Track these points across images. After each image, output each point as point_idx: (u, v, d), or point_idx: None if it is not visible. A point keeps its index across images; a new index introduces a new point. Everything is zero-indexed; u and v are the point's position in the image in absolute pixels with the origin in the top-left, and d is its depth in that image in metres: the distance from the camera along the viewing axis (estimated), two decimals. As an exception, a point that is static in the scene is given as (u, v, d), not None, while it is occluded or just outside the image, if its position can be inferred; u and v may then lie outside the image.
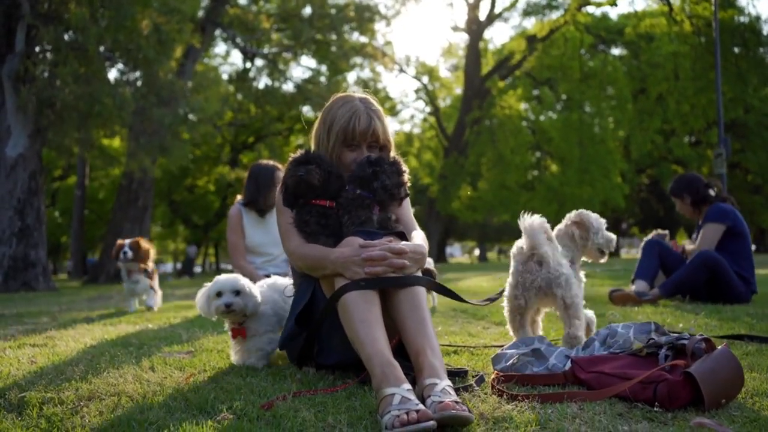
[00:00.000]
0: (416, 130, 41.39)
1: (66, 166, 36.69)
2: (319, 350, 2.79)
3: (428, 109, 38.44)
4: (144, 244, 6.61)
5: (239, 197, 6.21)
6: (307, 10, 27.36)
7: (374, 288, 2.44)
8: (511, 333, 3.23)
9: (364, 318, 2.35)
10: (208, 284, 3.05)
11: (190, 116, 19.12)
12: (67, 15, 17.25)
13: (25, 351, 3.51)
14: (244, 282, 3.01)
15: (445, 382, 2.11)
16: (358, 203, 2.76)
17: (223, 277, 3.02)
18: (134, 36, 17.06)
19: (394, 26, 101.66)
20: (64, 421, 2.06)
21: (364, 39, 30.26)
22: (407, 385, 2.06)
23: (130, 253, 6.43)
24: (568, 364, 2.55)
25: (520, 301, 3.12)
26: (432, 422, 1.86)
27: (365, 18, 28.40)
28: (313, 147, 3.03)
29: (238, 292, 2.96)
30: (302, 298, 2.82)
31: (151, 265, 6.69)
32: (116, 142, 27.23)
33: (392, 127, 3.12)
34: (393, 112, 37.46)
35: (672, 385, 2.15)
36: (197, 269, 43.75)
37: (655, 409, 2.10)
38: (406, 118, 47.13)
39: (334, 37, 27.63)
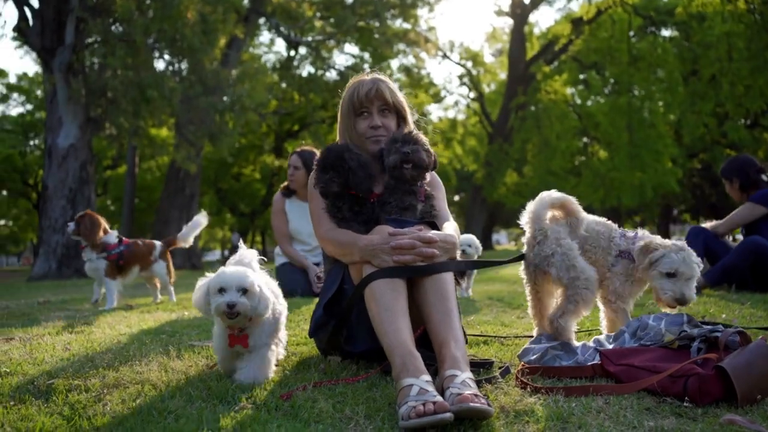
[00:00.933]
0: (460, 117, 41.02)
1: (117, 155, 37.50)
2: (347, 338, 2.78)
3: (472, 95, 38.03)
4: (92, 216, 5.80)
5: (283, 185, 6.35)
6: (350, -2, 27.35)
7: (401, 276, 2.43)
8: (533, 321, 3.16)
9: (389, 306, 2.33)
10: (210, 275, 2.48)
11: (235, 103, 19.28)
12: (114, 7, 17.57)
13: (62, 338, 3.60)
14: (254, 278, 2.42)
15: (466, 374, 2.07)
16: (406, 188, 2.75)
17: (229, 269, 2.44)
18: (179, 26, 17.28)
19: (437, 12, 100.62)
20: (87, 408, 2.09)
21: (407, 25, 30.08)
22: (426, 377, 2.04)
23: (71, 227, 5.71)
24: (598, 358, 2.49)
25: (526, 281, 3.06)
26: (449, 414, 1.83)
27: (408, 4, 28.23)
28: (338, 136, 3.05)
29: (245, 291, 2.35)
30: (331, 285, 2.81)
31: (153, 244, 6.11)
32: (164, 132, 27.66)
33: (403, 95, 3.09)
34: (437, 98, 37.18)
35: (703, 380, 2.07)
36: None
37: (684, 404, 2.03)
38: (449, 105, 46.68)
39: (376, 24, 27.54)
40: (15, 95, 42.90)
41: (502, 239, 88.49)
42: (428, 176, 2.89)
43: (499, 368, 2.57)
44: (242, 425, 1.86)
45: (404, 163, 2.69)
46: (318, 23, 28.80)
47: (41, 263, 17.60)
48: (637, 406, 2.04)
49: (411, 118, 3.08)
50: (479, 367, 2.63)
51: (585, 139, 32.88)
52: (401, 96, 3.05)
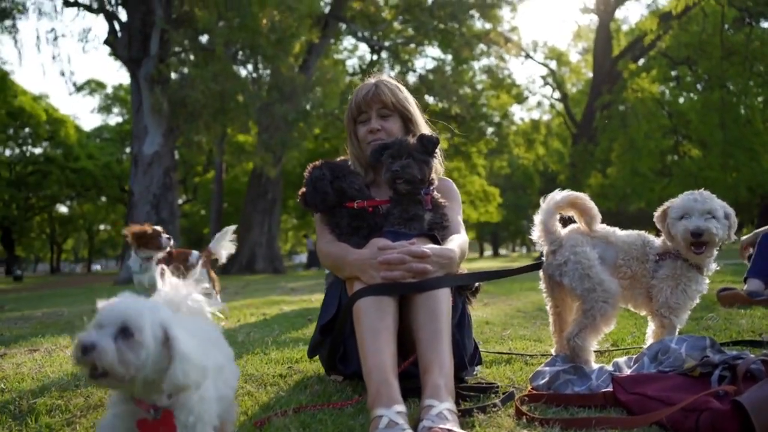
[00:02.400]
0: (544, 117, 40.15)
1: (206, 162, 38.74)
2: (342, 357, 2.64)
3: (556, 95, 37.17)
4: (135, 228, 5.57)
5: None
6: (429, 0, 27.18)
7: (389, 294, 2.25)
8: (552, 338, 2.91)
9: (372, 327, 2.17)
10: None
11: (310, 110, 19.49)
12: (196, 18, 18.10)
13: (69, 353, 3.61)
14: (160, 319, 1.46)
15: (445, 405, 1.89)
16: (410, 198, 2.58)
17: (121, 299, 1.48)
18: (255, 35, 17.63)
19: (520, 11, 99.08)
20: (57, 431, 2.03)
21: (488, 26, 29.64)
22: (399, 407, 1.87)
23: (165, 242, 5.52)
24: (611, 385, 2.25)
25: (546, 294, 2.82)
26: (412, 451, 1.66)
27: (488, 4, 27.82)
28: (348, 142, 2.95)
29: (127, 333, 1.40)
30: (331, 302, 2.68)
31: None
32: (250, 138, 28.32)
33: (413, 99, 2.92)
34: (519, 99, 36.49)
35: (717, 415, 1.82)
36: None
37: (694, 443, 1.78)
38: (533, 105, 45.72)
39: (456, 25, 27.25)
40: (115, 106, 45.20)
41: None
42: (436, 182, 2.69)
43: (504, 393, 2.36)
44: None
45: (395, 180, 2.52)
46: (398, 26, 28.79)
47: (128, 267, 18.27)
48: (640, 444, 1.80)
49: (421, 120, 2.90)
50: (482, 392, 2.41)
51: (677, 138, 31.49)
52: (407, 97, 2.86)
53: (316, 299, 7.53)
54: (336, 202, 2.62)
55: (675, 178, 27.49)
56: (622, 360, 2.56)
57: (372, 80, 2.87)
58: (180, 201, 40.56)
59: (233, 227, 6.40)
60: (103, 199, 43.26)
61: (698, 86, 30.49)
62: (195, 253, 6.26)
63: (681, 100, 32.28)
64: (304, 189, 2.66)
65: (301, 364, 3.12)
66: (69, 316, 5.85)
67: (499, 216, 38.86)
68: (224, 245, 6.35)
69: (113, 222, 49.66)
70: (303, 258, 64.72)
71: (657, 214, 2.73)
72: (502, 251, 77.40)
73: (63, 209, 46.86)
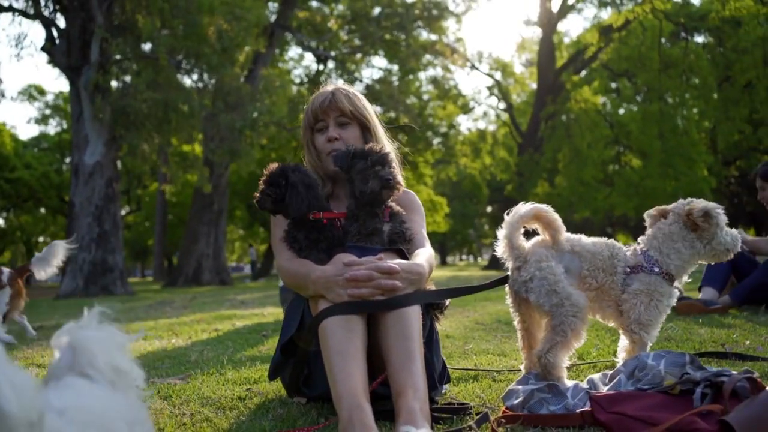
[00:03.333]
0: (490, 128, 40.60)
1: (150, 172, 37.90)
2: (306, 379, 2.50)
3: (502, 105, 37.61)
4: None
5: None
6: (375, 10, 27.23)
7: (357, 313, 2.13)
8: (522, 355, 2.83)
9: (340, 349, 2.04)
10: None
11: (257, 119, 19.18)
12: (138, 25, 17.67)
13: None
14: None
15: (422, 431, 1.78)
16: (368, 211, 2.45)
17: None
18: (200, 44, 17.31)
19: (465, 23, 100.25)
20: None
21: (434, 37, 29.86)
22: (374, 434, 1.75)
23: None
24: (588, 403, 2.17)
25: (513, 310, 2.74)
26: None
27: (434, 16, 28.05)
28: (305, 152, 2.81)
29: None
30: (291, 322, 2.54)
31: None
32: (198, 148, 27.82)
33: (371, 107, 2.82)
34: (465, 109, 36.82)
35: (703, 436, 1.75)
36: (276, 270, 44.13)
37: (680, 465, 1.71)
38: (479, 116, 46.24)
39: (403, 36, 27.37)
40: (54, 116, 43.93)
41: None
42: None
43: (477, 414, 2.26)
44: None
45: (384, 189, 2.40)
46: (344, 36, 28.75)
47: (69, 281, 17.68)
48: (624, 467, 1.72)
49: (380, 129, 2.80)
50: (454, 413, 2.31)
51: (618, 148, 32.22)
52: (365, 105, 2.77)
53: (269, 313, 7.34)
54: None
55: (617, 187, 28.08)
56: (597, 376, 2.49)
57: (329, 88, 2.76)
58: (123, 212, 39.61)
59: (63, 242, 5.77)
60: (42, 210, 41.92)
61: (637, 98, 31.28)
62: (6, 270, 5.58)
63: (621, 111, 33.07)
64: (265, 190, 2.46)
65: (260, 384, 2.97)
66: (14, 333, 5.52)
67: (447, 225, 39.08)
68: (49, 262, 5.71)
69: (53, 234, 48.19)
70: (248, 269, 63.89)
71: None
72: (449, 260, 77.91)
73: (-1, 221, 45.24)
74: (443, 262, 68.03)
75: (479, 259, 77.96)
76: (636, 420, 1.96)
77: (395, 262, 2.19)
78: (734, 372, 2.04)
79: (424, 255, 2.43)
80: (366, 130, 2.74)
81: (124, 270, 19.00)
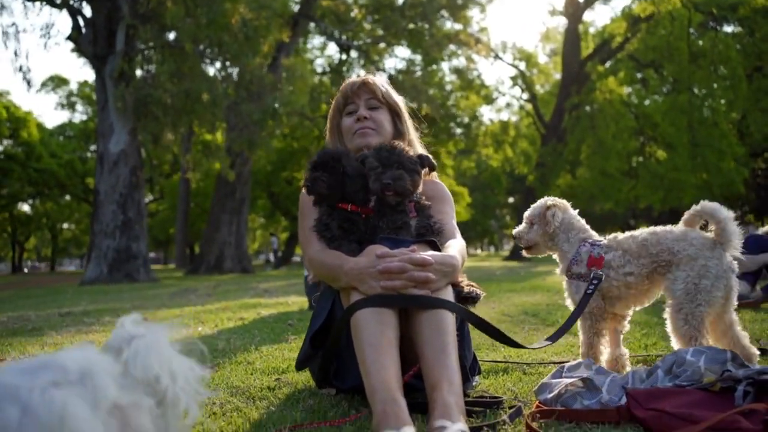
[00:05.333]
0: (513, 119, 40.29)
1: (173, 161, 38.16)
2: (336, 372, 2.48)
3: (525, 96, 37.29)
4: None
5: None
6: (399, 0, 27.10)
7: (390, 306, 2.10)
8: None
9: (373, 341, 2.01)
10: None
11: (277, 110, 19.17)
12: (164, 14, 17.72)
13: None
14: None
15: (458, 426, 1.74)
16: (394, 208, 2.43)
17: None
18: (223, 32, 17.33)
19: (489, 12, 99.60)
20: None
21: (458, 26, 29.66)
22: (409, 428, 1.72)
23: None
24: (624, 398, 2.13)
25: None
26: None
27: (458, 5, 27.84)
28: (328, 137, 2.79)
29: None
30: (321, 313, 2.52)
31: None
32: (219, 137, 27.93)
33: (400, 97, 2.81)
34: (488, 100, 36.54)
35: (747, 436, 1.71)
36: (297, 258, 44.23)
37: (723, 465, 1.67)
38: (501, 106, 45.84)
39: (426, 26, 27.21)
40: (79, 103, 44.38)
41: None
42: (421, 188, 2.55)
43: (510, 408, 2.23)
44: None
45: (385, 191, 2.38)
46: (367, 26, 28.65)
47: (93, 267, 17.87)
48: (664, 465, 1.68)
49: (408, 121, 2.78)
50: (487, 407, 2.27)
51: (642, 140, 31.82)
52: (396, 95, 2.77)
53: (293, 302, 7.35)
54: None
55: (642, 179, 27.76)
56: (634, 371, 2.44)
57: (359, 77, 2.75)
58: (147, 200, 39.95)
59: None
60: (67, 197, 42.46)
61: (664, 89, 30.83)
62: None
63: (646, 102, 32.64)
64: (317, 175, 2.41)
65: (288, 374, 2.96)
66: (36, 320, 5.59)
67: (468, 216, 38.92)
68: None
69: (77, 221, 48.83)
70: (262, 257, 64.14)
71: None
72: (470, 250, 77.73)
73: (25, 208, 45.91)
74: (464, 253, 67.79)
75: (500, 250, 77.66)
76: (676, 417, 1.91)
77: (428, 254, 2.16)
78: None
79: (456, 246, 2.40)
80: (396, 116, 2.74)
81: (147, 257, 19.16)
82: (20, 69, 19.67)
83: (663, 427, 1.92)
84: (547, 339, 2.83)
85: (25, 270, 59.48)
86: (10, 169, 34.47)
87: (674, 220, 2.90)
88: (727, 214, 2.61)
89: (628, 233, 2.89)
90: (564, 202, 3.07)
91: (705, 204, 2.70)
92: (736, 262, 2.68)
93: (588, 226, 3.01)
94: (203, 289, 10.86)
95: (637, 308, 2.94)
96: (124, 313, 5.64)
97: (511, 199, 54.98)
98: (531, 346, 2.73)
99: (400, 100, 2.79)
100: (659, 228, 2.81)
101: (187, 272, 25.18)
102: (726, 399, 1.96)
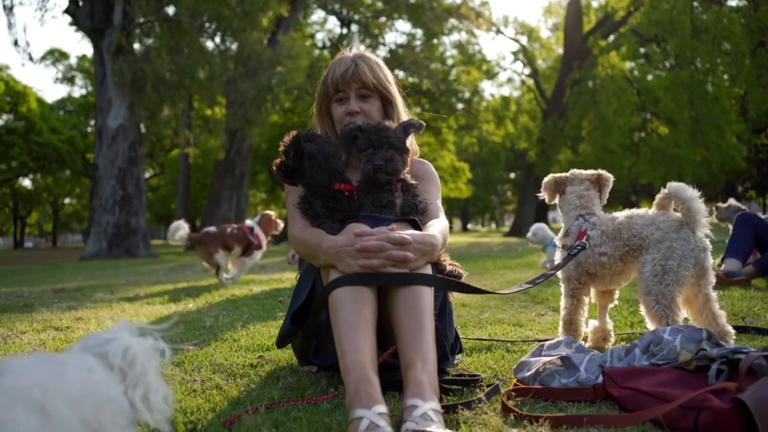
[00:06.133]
0: (515, 94, 40.08)
1: (173, 136, 38.03)
2: (316, 349, 2.49)
3: (526, 71, 37.07)
4: None
5: None
6: (400, -27, 26.84)
7: (366, 284, 2.09)
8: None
9: (350, 320, 2.01)
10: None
11: (273, 86, 19.03)
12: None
13: (42, 336, 3.42)
14: None
15: (429, 405, 1.75)
16: (380, 186, 2.42)
17: None
18: (223, 6, 17.17)
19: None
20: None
21: (459, 0, 29.41)
22: (381, 407, 1.73)
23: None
24: (601, 377, 2.13)
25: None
26: (395, 456, 1.53)
27: (460, -23, 27.60)
28: (315, 121, 2.76)
29: None
30: (302, 291, 2.52)
31: None
32: (219, 112, 27.79)
33: (392, 76, 2.74)
34: (490, 75, 36.33)
35: (718, 414, 1.71)
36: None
37: (694, 443, 1.68)
38: (503, 81, 45.55)
39: (427, -1, 26.98)
40: (78, 78, 44.15)
41: (558, 217, 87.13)
42: (408, 166, 2.54)
43: (488, 386, 2.24)
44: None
45: (377, 172, 2.36)
46: (367, 0, 28.40)
47: (93, 243, 17.91)
48: (636, 443, 1.70)
49: (400, 102, 2.74)
50: (465, 385, 2.29)
51: (644, 115, 31.65)
52: (387, 76, 2.70)
53: (287, 278, 7.37)
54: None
55: (643, 155, 27.67)
56: (612, 349, 2.45)
57: (349, 55, 2.69)
58: (147, 175, 39.89)
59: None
60: (68, 172, 42.41)
61: (666, 64, 30.60)
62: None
63: (649, 77, 32.42)
64: (284, 159, 2.44)
65: (272, 352, 2.98)
66: (29, 296, 5.61)
67: (469, 191, 38.90)
68: None
69: (78, 196, 48.83)
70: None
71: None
72: (471, 226, 77.79)
73: (26, 183, 45.90)
74: (464, 228, 67.89)
75: (501, 226, 77.74)
76: (649, 396, 1.93)
77: (407, 233, 2.15)
78: (752, 349, 1.99)
79: (438, 226, 2.39)
80: (388, 104, 2.70)
81: (147, 232, 19.19)
82: (15, 43, 19.55)
83: (636, 406, 1.93)
84: (527, 283, 2.76)
85: (30, 245, 59.64)
86: (11, 142, 34.42)
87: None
88: (692, 193, 2.61)
89: (615, 213, 2.91)
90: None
91: (671, 185, 2.71)
92: (708, 239, 2.69)
93: (594, 203, 3.02)
94: (201, 265, 10.89)
95: (615, 287, 2.98)
96: (118, 290, 5.66)
97: (512, 175, 54.89)
98: (502, 291, 2.69)
99: (391, 81, 2.72)
100: (636, 212, 2.84)
101: (188, 248, 25.24)
102: (700, 378, 1.96)
